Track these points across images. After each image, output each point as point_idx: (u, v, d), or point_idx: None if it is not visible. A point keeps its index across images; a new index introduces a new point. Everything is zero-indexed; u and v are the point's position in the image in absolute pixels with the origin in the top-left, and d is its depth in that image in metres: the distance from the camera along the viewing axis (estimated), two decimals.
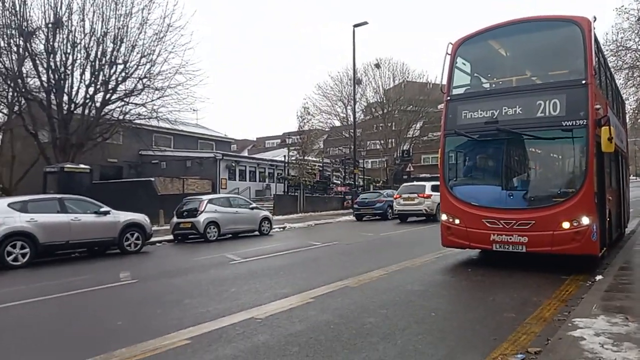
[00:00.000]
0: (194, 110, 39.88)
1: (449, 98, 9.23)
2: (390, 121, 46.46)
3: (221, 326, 5.53)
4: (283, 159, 34.27)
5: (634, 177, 77.02)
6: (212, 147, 38.06)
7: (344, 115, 46.66)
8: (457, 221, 8.81)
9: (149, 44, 21.36)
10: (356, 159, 34.55)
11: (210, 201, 16.65)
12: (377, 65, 45.24)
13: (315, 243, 13.85)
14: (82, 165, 18.84)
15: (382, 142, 47.14)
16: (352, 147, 34.18)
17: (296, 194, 30.88)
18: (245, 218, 17.31)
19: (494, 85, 9.83)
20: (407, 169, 40.88)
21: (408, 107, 47.10)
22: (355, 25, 28.71)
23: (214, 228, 16.12)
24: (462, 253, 10.29)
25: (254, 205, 18.37)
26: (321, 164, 38.09)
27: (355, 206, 24.85)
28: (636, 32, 23.83)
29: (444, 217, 9.11)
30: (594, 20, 8.05)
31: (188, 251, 13.95)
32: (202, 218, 15.95)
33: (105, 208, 12.93)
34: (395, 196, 22.80)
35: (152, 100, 21.86)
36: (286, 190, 32.55)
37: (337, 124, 48.57)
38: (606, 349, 4.01)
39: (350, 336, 5.02)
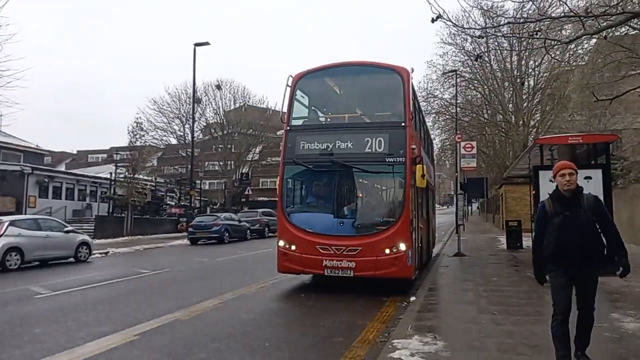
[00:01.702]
0: None
1: (288, 128, 9.59)
2: (230, 143, 46.28)
3: None
4: (109, 176, 31.28)
5: (439, 206, 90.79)
6: (19, 158, 32.78)
7: (182, 134, 44.80)
8: (293, 247, 9.08)
9: None
10: (193, 179, 33.40)
11: (12, 223, 14.15)
12: (218, 87, 44.89)
13: (144, 270, 12.85)
14: None
15: (221, 163, 46.61)
16: (190, 166, 32.98)
17: (123, 215, 28.37)
18: (58, 243, 15.14)
19: (329, 120, 10.57)
20: (246, 192, 41.08)
21: (248, 131, 47.58)
22: (197, 44, 28.13)
23: (15, 255, 13.71)
24: (296, 278, 10.60)
25: (69, 227, 16.21)
26: (154, 184, 35.81)
27: (191, 229, 23.94)
28: (441, 83, 28.60)
29: (280, 243, 9.30)
30: (412, 71, 9.29)
31: None
32: None
33: None
34: None
35: None
36: (111, 211, 29.66)
37: (174, 141, 46.32)
38: None
39: None
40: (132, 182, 28.69)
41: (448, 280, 10.03)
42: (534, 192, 10.52)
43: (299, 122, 9.93)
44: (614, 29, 10.26)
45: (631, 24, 10.53)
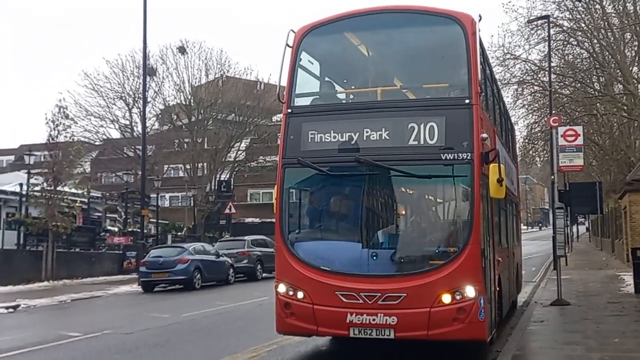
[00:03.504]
0: None
1: (289, 111, 9.60)
2: (202, 135, 46.62)
3: None
4: (18, 189, 31.68)
5: (526, 227, 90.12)
6: None
7: (127, 122, 45.39)
8: (300, 294, 9.05)
9: None
10: (146, 192, 33.66)
11: None
12: (182, 50, 45.27)
13: (73, 334, 12.95)
14: None
15: (189, 167, 46.97)
16: (140, 172, 33.18)
17: (41, 248, 28.65)
18: None
19: (352, 97, 10.58)
20: (227, 210, 41.14)
21: (229, 116, 47.87)
22: None
23: None
24: (306, 342, 10.56)
25: None
26: (86, 200, 36.17)
27: (143, 269, 24.04)
28: (526, 37, 28.40)
29: (281, 288, 9.28)
30: (479, 20, 9.26)
31: None
32: None
33: None
34: None
35: None
36: (22, 242, 29.98)
37: (116, 135, 46.98)
38: None
39: None
40: (53, 197, 28.89)
41: (543, 344, 9.92)
42: None
43: (307, 102, 9.95)
44: None
45: None
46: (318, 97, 10.29)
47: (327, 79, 10.65)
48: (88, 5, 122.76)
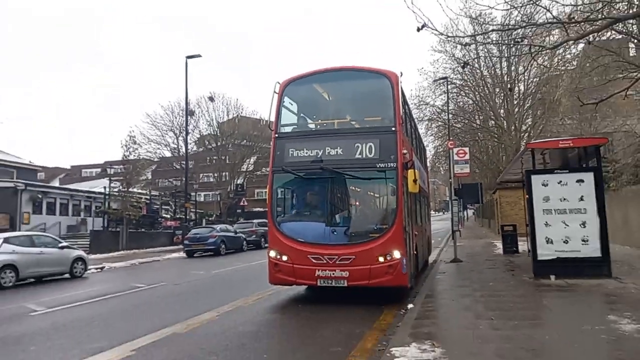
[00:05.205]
0: None
1: (277, 135, 9.53)
2: (224, 154, 46.19)
3: None
4: (103, 190, 31.11)
5: (434, 213, 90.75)
6: (12, 175, 32.57)
7: (175, 146, 44.73)
8: (284, 258, 8.98)
9: None
10: (188, 191, 33.26)
11: (6, 240, 14.00)
12: (211, 99, 44.85)
13: (139, 285, 12.73)
14: None
15: (216, 175, 46.46)
16: (184, 179, 32.85)
17: (118, 229, 28.19)
18: (53, 259, 14.96)
19: (318, 126, 10.52)
20: (241, 203, 40.86)
21: (242, 142, 47.56)
22: (188, 57, 28.21)
23: (10, 272, 13.56)
24: (293, 289, 10.47)
25: (64, 243, 16.05)
26: (148, 197, 35.65)
27: (186, 242, 23.77)
28: (432, 90, 28.65)
29: (271, 253, 9.20)
30: (401, 75, 9.27)
31: None
32: None
33: None
34: None
35: None
36: (106, 225, 29.45)
37: (168, 154, 46.21)
38: None
39: None
40: (126, 195, 28.53)
41: (445, 287, 9.97)
42: (527, 196, 10.50)
43: (288, 129, 9.89)
44: (599, 33, 10.31)
45: (616, 28, 10.57)
46: (296, 126, 10.21)
47: (302, 114, 10.58)
48: (88, 5, 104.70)
